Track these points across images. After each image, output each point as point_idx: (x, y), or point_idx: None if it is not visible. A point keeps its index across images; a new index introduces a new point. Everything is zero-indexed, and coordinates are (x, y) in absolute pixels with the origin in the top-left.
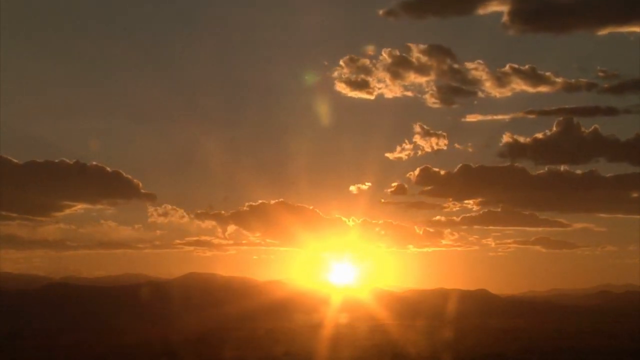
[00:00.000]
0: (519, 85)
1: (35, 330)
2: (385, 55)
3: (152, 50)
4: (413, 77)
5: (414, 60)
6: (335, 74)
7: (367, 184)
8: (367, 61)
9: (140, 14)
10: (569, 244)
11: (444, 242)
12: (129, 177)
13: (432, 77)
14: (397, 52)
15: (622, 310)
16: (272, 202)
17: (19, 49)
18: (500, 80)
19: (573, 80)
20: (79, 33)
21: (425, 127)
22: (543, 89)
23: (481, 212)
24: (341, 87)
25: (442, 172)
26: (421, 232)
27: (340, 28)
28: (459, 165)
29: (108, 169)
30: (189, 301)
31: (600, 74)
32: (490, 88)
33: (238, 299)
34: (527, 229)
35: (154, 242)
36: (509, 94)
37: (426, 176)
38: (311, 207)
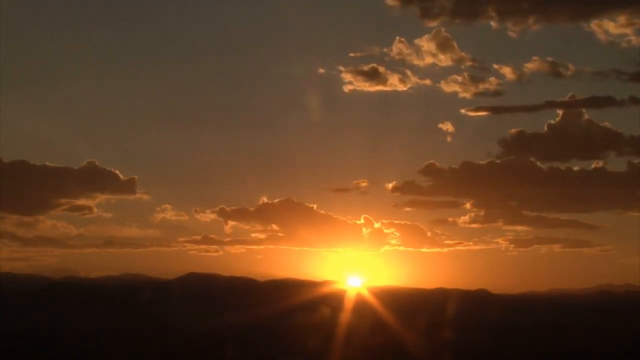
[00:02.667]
0: (539, 76)
1: (36, 331)
2: (393, 46)
3: (155, 48)
4: (421, 70)
5: (425, 51)
6: (342, 67)
7: (373, 181)
8: (374, 53)
9: (139, 12)
10: (584, 242)
11: (448, 241)
12: (128, 176)
13: (442, 68)
14: (406, 43)
15: (622, 310)
16: (276, 200)
17: (15, 46)
18: (519, 71)
19: (589, 68)
20: (76, 31)
21: (433, 121)
22: (564, 79)
23: (485, 210)
24: (348, 81)
25: (448, 168)
26: (425, 231)
27: (347, 22)
28: (468, 161)
29: (107, 168)
30: (189, 302)
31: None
32: (508, 79)
33: (238, 299)
34: (533, 228)
35: (155, 241)
36: (528, 84)
37: (432, 172)
38: (316, 206)
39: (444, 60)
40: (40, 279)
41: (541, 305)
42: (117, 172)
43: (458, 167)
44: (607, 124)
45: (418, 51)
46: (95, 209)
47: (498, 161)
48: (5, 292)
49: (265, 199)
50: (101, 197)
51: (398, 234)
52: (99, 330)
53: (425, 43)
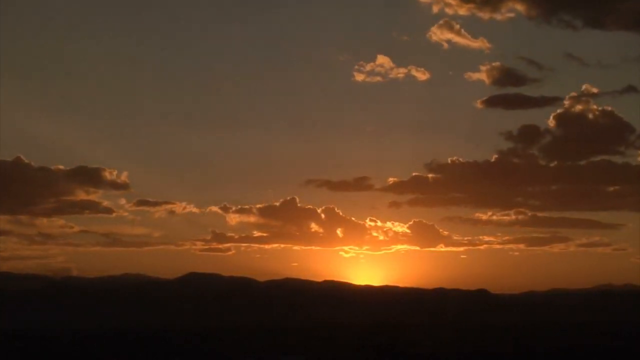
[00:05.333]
0: (561, 67)
1: (36, 331)
2: (409, 38)
3: (160, 48)
4: (436, 60)
5: (442, 40)
6: (353, 62)
7: (380, 178)
8: (387, 47)
9: (139, 15)
10: (597, 242)
11: (461, 241)
12: (128, 175)
13: (460, 59)
14: (424, 37)
15: (622, 310)
16: (280, 200)
17: (15, 45)
18: (541, 65)
19: (616, 57)
20: (76, 32)
21: (446, 113)
22: (588, 68)
23: (495, 209)
24: (358, 70)
25: (454, 165)
26: (428, 231)
27: (356, 6)
28: (475, 158)
29: (108, 168)
30: (189, 302)
31: None
32: (528, 70)
33: (238, 299)
34: (545, 228)
35: (155, 240)
36: (551, 74)
37: (439, 169)
38: (319, 205)
39: (463, 50)
40: (41, 278)
41: (541, 305)
42: (117, 171)
43: (464, 163)
44: (623, 116)
45: (434, 41)
46: (95, 209)
47: (506, 157)
48: (5, 292)
49: (270, 200)
50: (101, 196)
51: (408, 232)
52: (99, 330)
53: (443, 32)
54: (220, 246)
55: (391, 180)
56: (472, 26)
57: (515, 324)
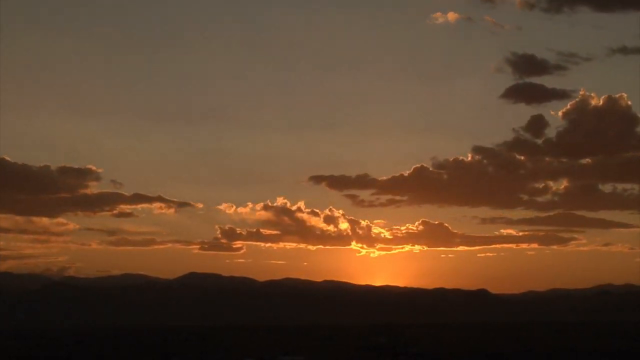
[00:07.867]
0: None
1: (36, 331)
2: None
3: (159, 47)
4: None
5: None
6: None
7: (385, 176)
8: (394, 37)
9: (139, 16)
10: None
11: (469, 239)
12: (129, 175)
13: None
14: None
15: (622, 310)
16: (280, 201)
17: (18, 46)
18: (562, 52)
19: None
20: (74, 33)
21: (459, 108)
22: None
23: (502, 208)
24: (366, 69)
25: (459, 162)
26: (440, 230)
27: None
28: (480, 148)
29: (109, 168)
30: (189, 302)
31: None
32: (550, 65)
33: (238, 299)
34: (554, 227)
35: (156, 241)
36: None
37: (445, 166)
38: (324, 205)
39: (475, 39)
40: (41, 278)
41: (541, 305)
42: (118, 170)
43: (469, 161)
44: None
45: (443, 27)
46: (96, 208)
47: (515, 152)
48: (5, 292)
49: (270, 201)
50: (103, 195)
51: (419, 232)
52: (98, 330)
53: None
54: (220, 246)
55: (395, 177)
56: (486, 12)
57: (515, 323)
